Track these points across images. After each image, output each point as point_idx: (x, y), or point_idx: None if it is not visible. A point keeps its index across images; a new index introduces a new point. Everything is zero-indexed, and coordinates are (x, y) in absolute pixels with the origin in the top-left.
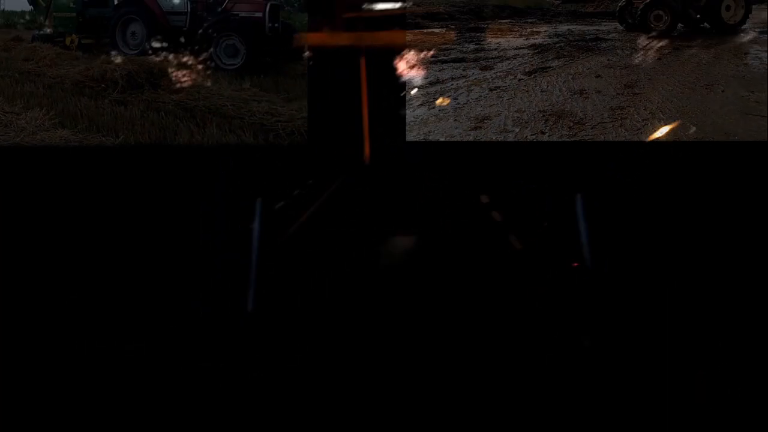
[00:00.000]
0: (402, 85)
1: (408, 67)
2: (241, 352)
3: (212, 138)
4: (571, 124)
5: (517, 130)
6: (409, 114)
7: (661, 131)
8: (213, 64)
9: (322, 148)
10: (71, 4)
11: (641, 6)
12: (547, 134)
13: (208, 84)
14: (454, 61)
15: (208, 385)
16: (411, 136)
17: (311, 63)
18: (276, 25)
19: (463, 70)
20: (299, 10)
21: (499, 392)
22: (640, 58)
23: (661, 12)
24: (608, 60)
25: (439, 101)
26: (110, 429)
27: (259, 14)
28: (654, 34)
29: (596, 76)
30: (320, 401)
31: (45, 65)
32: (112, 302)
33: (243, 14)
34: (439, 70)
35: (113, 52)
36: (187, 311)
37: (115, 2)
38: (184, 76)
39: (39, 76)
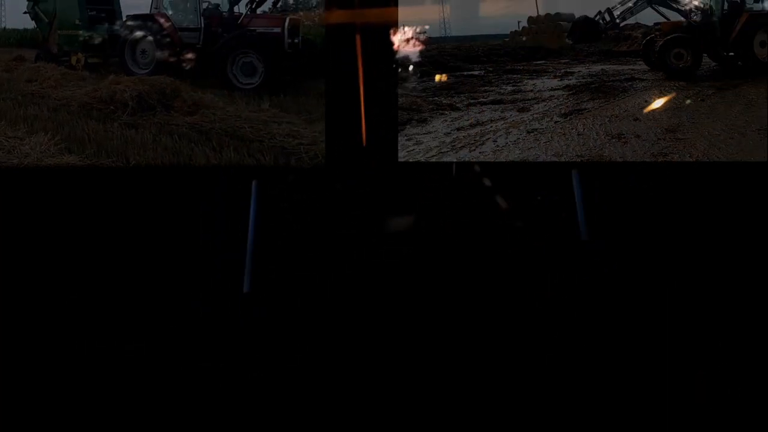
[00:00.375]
0: (398, 64)
1: (404, 41)
2: (241, 351)
3: (230, 163)
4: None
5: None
6: (452, 155)
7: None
8: (229, 83)
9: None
10: (77, 21)
11: (661, 43)
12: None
13: (224, 105)
14: (493, 102)
15: (208, 385)
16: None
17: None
18: (296, 40)
19: (501, 111)
20: (320, 25)
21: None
22: (680, 100)
23: (681, 50)
24: (646, 101)
25: (438, 78)
26: (110, 429)
27: (278, 30)
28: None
29: (634, 119)
30: (320, 401)
31: (49, 86)
32: (112, 302)
33: (261, 30)
34: (479, 112)
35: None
36: (187, 311)
37: (124, 19)
38: (198, 96)
39: (43, 98)
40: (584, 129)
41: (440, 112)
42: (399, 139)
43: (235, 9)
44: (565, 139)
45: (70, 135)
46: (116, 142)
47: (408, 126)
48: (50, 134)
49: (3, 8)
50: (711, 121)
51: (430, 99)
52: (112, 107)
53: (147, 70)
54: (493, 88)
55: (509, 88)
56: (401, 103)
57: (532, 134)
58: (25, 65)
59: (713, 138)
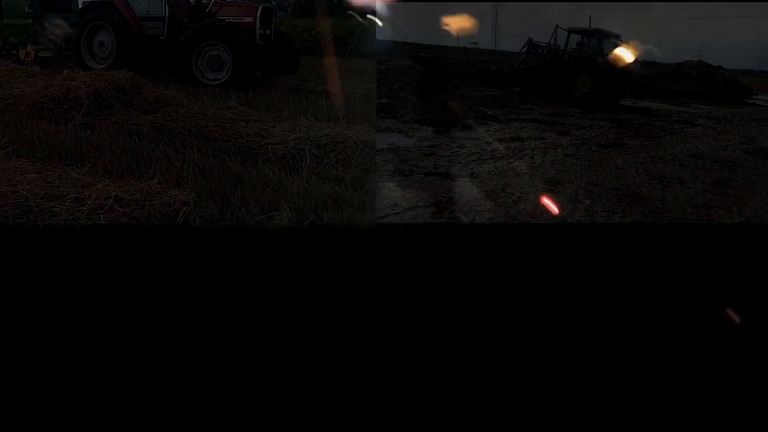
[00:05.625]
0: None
1: None
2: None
3: (193, 165)
4: (647, 210)
5: (588, 202)
6: (490, 164)
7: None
8: (194, 78)
9: None
10: (26, 9)
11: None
12: (618, 214)
13: (188, 102)
14: (534, 121)
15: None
16: (491, 185)
17: None
18: (268, 32)
19: (541, 131)
20: (293, 16)
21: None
22: (738, 153)
23: (531, 75)
24: (696, 149)
25: None
26: None
27: (249, 19)
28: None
29: (680, 165)
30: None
31: None
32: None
33: (231, 19)
34: (520, 128)
35: None
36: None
37: (80, 6)
38: (160, 93)
39: None
40: (623, 164)
41: (483, 122)
42: (443, 140)
43: None
44: (602, 169)
45: (18, 137)
46: (70, 143)
47: (453, 130)
48: None
49: None
50: None
51: (476, 108)
52: (65, 106)
53: (105, 65)
54: (536, 107)
55: (550, 109)
56: (449, 107)
57: (568, 158)
58: None
59: None
